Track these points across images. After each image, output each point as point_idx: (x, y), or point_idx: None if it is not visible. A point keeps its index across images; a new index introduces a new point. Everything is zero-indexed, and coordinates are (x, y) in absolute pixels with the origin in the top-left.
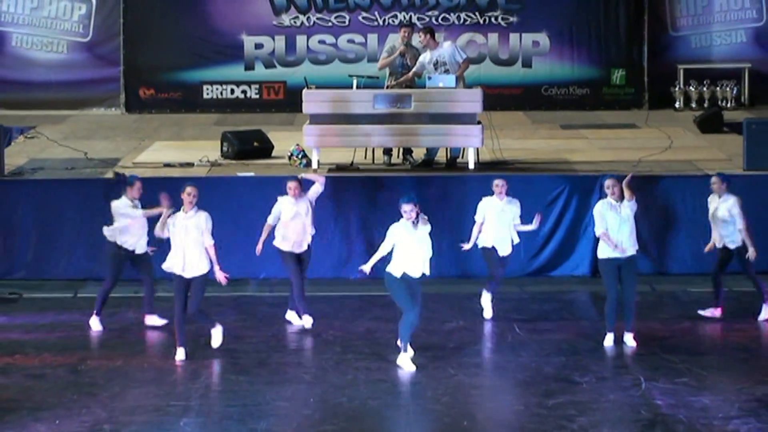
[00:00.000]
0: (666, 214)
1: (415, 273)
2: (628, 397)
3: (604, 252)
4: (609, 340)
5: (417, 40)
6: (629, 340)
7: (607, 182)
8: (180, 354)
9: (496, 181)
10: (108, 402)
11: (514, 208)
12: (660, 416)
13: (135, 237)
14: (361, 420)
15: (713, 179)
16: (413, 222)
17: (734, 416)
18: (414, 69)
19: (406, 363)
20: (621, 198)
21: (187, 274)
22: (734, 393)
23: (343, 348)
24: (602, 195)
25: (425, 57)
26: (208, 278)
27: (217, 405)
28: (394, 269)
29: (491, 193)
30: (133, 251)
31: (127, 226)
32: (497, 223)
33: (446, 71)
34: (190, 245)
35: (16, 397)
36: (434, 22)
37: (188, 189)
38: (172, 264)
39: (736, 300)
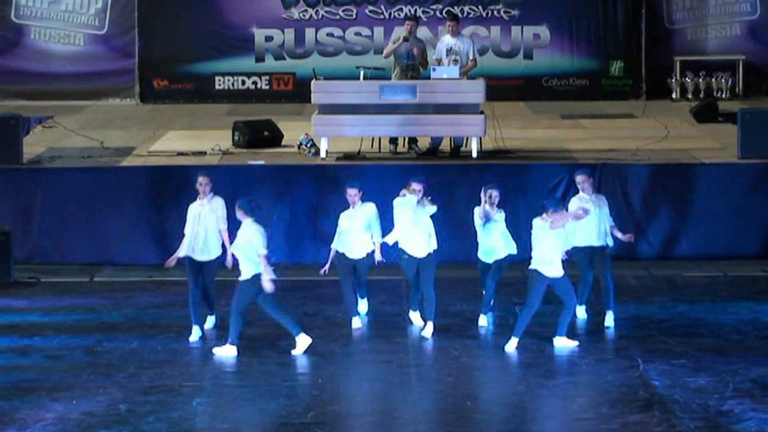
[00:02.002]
0: (663, 201)
1: (419, 252)
2: (626, 378)
3: (579, 240)
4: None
5: (420, 33)
6: (608, 318)
7: (579, 177)
8: (195, 333)
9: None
10: (123, 382)
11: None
12: (657, 396)
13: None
14: (368, 400)
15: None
16: (419, 201)
17: (729, 397)
18: (435, 56)
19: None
20: (593, 192)
21: (198, 257)
22: (729, 374)
23: (351, 330)
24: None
25: (442, 42)
26: (220, 262)
27: (229, 385)
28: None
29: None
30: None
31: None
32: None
33: (455, 61)
34: (204, 230)
35: (35, 378)
36: (438, 15)
37: (200, 179)
38: (186, 248)
39: (730, 284)
